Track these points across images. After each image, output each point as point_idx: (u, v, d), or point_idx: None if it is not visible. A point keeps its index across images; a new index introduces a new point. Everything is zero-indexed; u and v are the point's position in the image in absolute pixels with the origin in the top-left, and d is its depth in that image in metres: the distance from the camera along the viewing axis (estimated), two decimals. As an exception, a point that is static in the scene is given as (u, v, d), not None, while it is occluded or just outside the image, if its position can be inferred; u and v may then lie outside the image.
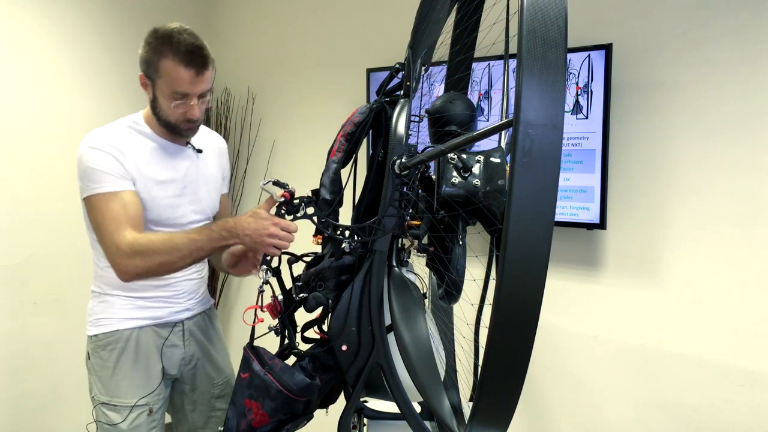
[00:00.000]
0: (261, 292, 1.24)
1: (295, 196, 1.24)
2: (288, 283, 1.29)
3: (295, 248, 1.31)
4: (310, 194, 1.24)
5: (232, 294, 3.23)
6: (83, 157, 1.43)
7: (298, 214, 1.23)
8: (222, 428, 1.28)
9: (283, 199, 1.22)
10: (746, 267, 1.79)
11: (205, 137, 1.70)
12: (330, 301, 1.19)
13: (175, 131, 1.52)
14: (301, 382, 1.17)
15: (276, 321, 1.25)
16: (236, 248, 1.51)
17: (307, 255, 1.30)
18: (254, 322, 1.24)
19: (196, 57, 1.42)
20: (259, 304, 1.24)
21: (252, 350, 1.24)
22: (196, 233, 1.35)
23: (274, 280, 1.29)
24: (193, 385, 1.69)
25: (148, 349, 1.57)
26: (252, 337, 1.27)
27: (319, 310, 1.23)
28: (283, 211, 1.24)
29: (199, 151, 1.62)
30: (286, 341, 1.27)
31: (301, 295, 1.21)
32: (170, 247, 1.34)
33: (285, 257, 1.29)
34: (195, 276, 1.68)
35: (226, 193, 1.79)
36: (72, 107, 2.59)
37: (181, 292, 1.63)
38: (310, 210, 1.22)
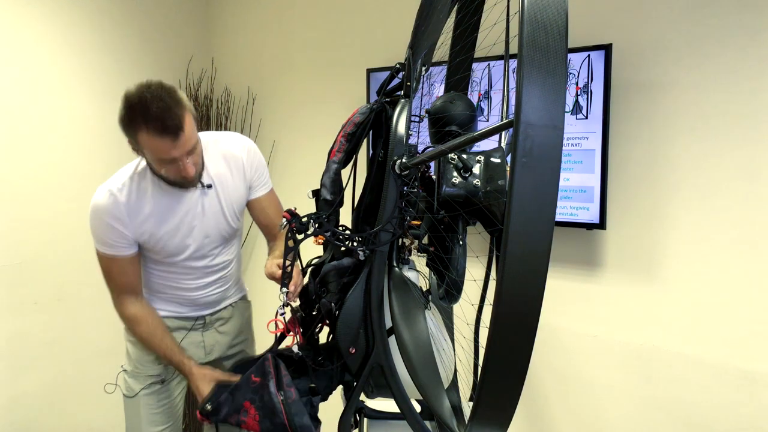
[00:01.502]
0: (282, 314, 1.25)
1: (302, 214, 1.23)
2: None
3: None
4: (310, 194, 1.24)
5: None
6: (90, 217, 1.55)
7: (309, 232, 1.22)
8: (210, 406, 1.29)
9: (285, 221, 1.21)
10: (746, 267, 1.79)
11: (221, 158, 1.66)
12: (334, 305, 1.20)
13: (178, 186, 1.54)
14: (306, 429, 1.21)
15: (294, 338, 1.27)
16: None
17: (311, 264, 1.30)
18: (276, 329, 1.25)
19: (168, 123, 1.37)
20: (281, 319, 1.25)
21: (274, 362, 1.25)
22: (168, 351, 1.61)
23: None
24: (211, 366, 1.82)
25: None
26: (277, 344, 1.27)
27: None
28: (294, 230, 1.22)
29: (209, 186, 1.61)
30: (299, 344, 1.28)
31: (316, 306, 1.22)
32: (148, 340, 1.63)
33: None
34: (216, 290, 1.77)
35: (264, 194, 1.74)
36: (73, 107, 2.59)
37: (201, 304, 1.76)
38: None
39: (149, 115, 1.36)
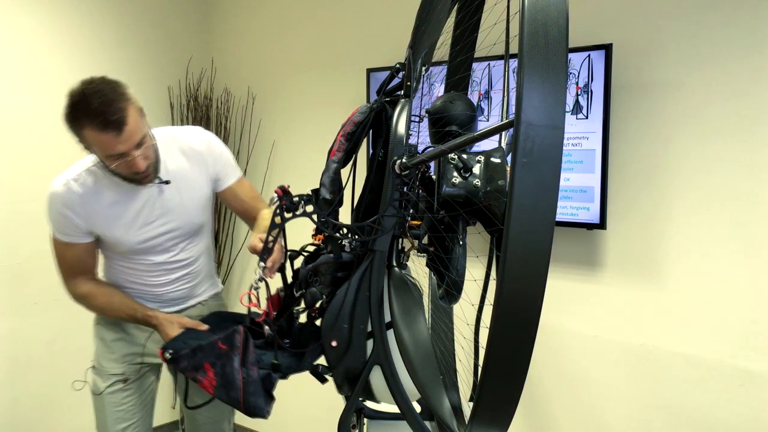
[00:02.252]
0: (256, 288, 1.25)
1: (294, 194, 1.23)
2: (289, 279, 1.30)
3: (296, 244, 1.31)
4: (309, 193, 1.24)
5: (235, 279, 3.23)
6: (47, 207, 1.56)
7: (297, 212, 1.22)
8: (169, 354, 1.30)
9: (276, 196, 1.21)
10: (746, 267, 1.79)
11: (180, 153, 1.63)
12: (324, 296, 1.20)
13: (132, 182, 1.52)
14: (258, 410, 1.23)
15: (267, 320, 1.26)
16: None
17: (306, 249, 1.30)
18: (249, 302, 1.25)
19: (110, 117, 1.35)
20: (254, 292, 1.26)
21: (244, 337, 1.26)
22: (130, 311, 1.62)
23: (277, 275, 1.31)
24: None
25: (134, 332, 1.71)
26: (249, 318, 1.28)
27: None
28: (284, 208, 1.23)
29: (167, 182, 1.58)
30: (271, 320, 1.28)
31: (300, 292, 1.22)
32: (107, 309, 1.66)
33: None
34: (183, 286, 1.75)
35: (234, 182, 1.74)
36: (72, 107, 2.59)
37: (168, 300, 1.74)
38: (310, 208, 1.22)
39: (91, 110, 1.35)
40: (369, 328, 1.18)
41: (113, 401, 1.69)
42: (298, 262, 1.31)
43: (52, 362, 2.55)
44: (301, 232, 1.32)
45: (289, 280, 1.31)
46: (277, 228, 1.23)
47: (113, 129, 1.36)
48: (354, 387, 1.23)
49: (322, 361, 1.26)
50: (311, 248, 1.30)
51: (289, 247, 1.32)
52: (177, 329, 1.50)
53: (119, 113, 1.37)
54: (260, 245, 1.31)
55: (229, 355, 1.24)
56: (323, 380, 1.29)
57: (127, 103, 1.39)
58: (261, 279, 1.27)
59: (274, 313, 1.28)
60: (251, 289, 1.24)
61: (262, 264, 1.27)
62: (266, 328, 1.26)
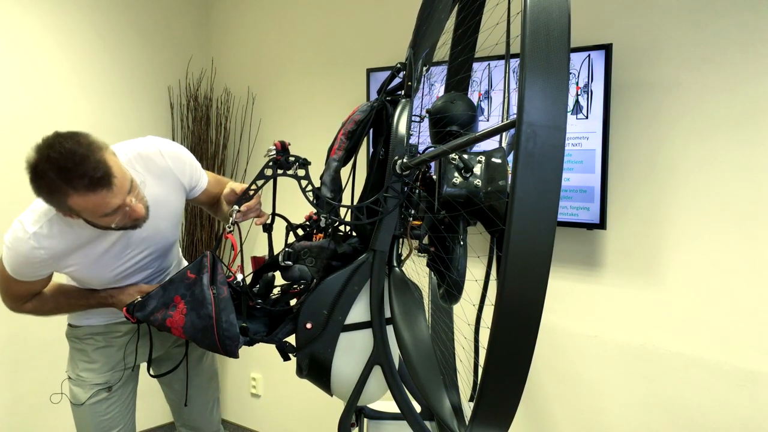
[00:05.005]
0: (229, 231, 1.26)
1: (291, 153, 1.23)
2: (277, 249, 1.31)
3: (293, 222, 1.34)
4: (307, 159, 1.24)
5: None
6: (6, 253, 1.39)
7: (289, 171, 1.22)
8: (139, 297, 1.29)
9: (274, 149, 1.21)
10: (746, 266, 1.79)
11: (147, 173, 1.46)
12: (314, 278, 1.22)
13: (130, 228, 1.37)
14: (230, 329, 1.20)
15: (242, 273, 1.27)
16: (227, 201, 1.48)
17: (306, 225, 1.32)
18: (229, 232, 1.27)
19: (95, 175, 1.18)
20: (231, 236, 1.28)
21: (212, 259, 1.26)
22: (82, 302, 1.55)
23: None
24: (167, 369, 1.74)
25: (111, 340, 1.66)
26: (218, 246, 1.28)
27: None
28: (277, 163, 1.22)
29: None
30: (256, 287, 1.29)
31: (287, 262, 1.23)
32: (58, 312, 1.59)
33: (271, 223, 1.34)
34: None
35: (206, 182, 1.60)
36: (74, 107, 2.59)
37: None
38: (302, 172, 1.22)
39: (71, 176, 1.18)
40: (346, 322, 1.20)
41: (97, 411, 1.63)
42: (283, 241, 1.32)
43: (52, 362, 2.55)
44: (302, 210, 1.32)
45: (277, 249, 1.31)
46: (263, 179, 1.23)
47: (103, 186, 1.19)
48: (314, 373, 1.24)
49: (290, 340, 1.27)
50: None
51: (282, 215, 1.34)
52: (137, 297, 1.39)
53: (101, 167, 1.19)
54: (239, 187, 1.32)
55: (198, 279, 1.23)
56: (286, 357, 1.29)
57: (101, 152, 1.22)
58: (234, 223, 1.28)
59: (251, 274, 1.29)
60: (225, 232, 1.27)
61: (236, 207, 1.27)
62: (239, 276, 1.25)
